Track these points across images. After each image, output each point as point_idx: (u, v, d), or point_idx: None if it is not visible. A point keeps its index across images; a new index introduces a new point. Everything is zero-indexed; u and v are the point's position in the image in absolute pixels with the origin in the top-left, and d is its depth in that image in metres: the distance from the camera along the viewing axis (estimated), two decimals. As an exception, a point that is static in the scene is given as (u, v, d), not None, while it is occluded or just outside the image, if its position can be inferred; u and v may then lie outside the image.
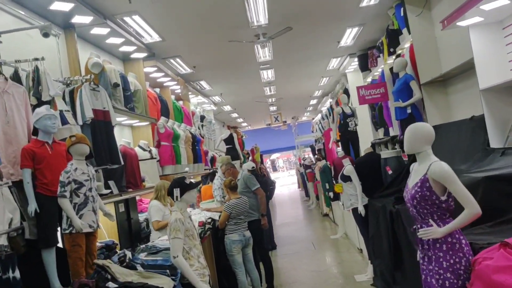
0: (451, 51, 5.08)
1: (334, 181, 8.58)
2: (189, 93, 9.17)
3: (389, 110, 7.55)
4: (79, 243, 2.94)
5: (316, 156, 16.77)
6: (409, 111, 5.52)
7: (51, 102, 3.51)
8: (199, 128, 10.18)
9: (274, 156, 34.86)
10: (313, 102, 15.82)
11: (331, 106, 13.20)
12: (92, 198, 3.10)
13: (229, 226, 5.33)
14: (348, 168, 5.77)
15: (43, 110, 3.13)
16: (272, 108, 15.82)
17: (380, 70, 7.68)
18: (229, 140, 9.69)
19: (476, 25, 3.87)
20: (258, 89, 11.30)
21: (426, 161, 2.72)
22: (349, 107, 8.43)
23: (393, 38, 6.43)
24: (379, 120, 8.01)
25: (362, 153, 8.63)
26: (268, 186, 8.09)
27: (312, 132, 21.64)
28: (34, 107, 3.36)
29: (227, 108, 13.83)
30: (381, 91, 7.16)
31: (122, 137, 6.04)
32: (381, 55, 7.52)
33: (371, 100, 7.26)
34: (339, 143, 12.77)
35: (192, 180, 3.69)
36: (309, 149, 21.31)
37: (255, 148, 21.43)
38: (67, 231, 2.96)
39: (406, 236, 4.53)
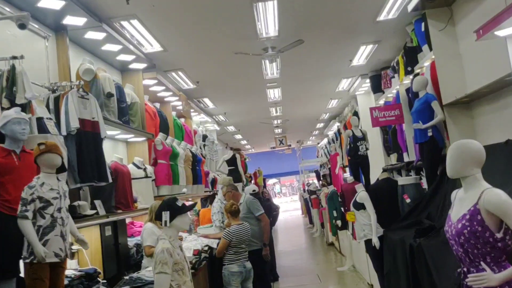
0: (479, 69, 4.61)
1: (342, 209, 8.02)
2: (192, 110, 8.73)
3: (403, 134, 7.05)
4: (41, 276, 2.39)
5: (321, 181, 16.21)
6: (430, 133, 5.01)
7: (26, 106, 3.03)
8: (200, 148, 9.71)
9: (271, 181, 34.20)
10: (320, 125, 15.36)
11: (338, 130, 12.73)
12: (61, 220, 2.57)
13: (228, 255, 4.76)
14: (362, 194, 5.24)
15: (11, 113, 2.65)
16: (277, 131, 15.36)
17: (394, 91, 7.22)
18: (231, 161, 9.19)
19: (516, 36, 3.41)
20: (263, 109, 10.86)
21: (476, 187, 2.20)
22: (360, 130, 7.93)
23: (411, 56, 5.99)
24: (392, 144, 7.50)
25: (372, 179, 8.11)
26: (272, 212, 7.54)
27: (317, 157, 21.14)
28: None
29: (231, 128, 13.38)
30: (396, 113, 6.68)
31: (115, 153, 5.54)
32: (395, 75, 7.08)
33: (385, 123, 6.77)
34: (347, 168, 12.27)
35: (187, 202, 3.18)
36: (314, 174, 20.77)
37: (258, 171, 20.89)
38: (28, 260, 2.42)
39: (429, 275, 3.95)
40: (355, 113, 10.02)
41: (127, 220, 5.60)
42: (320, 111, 12.42)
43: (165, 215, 2.81)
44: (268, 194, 20.06)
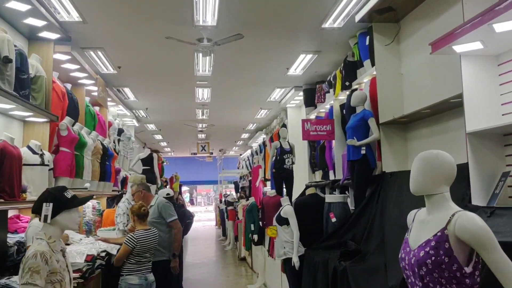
0: (421, 89, 4.47)
1: (260, 223, 7.61)
2: (109, 99, 7.85)
3: (332, 151, 6.86)
4: None
5: (239, 193, 15.80)
6: (363, 151, 4.77)
7: None
8: (114, 142, 8.79)
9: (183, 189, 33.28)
10: (245, 136, 15.01)
11: (263, 142, 12.44)
12: None
13: (128, 264, 4.06)
14: (287, 209, 4.84)
15: None
16: (201, 136, 14.74)
17: (328, 106, 7.03)
18: (147, 161, 8.40)
19: (470, 55, 3.22)
20: (189, 110, 10.21)
21: (443, 209, 1.82)
22: (288, 142, 7.64)
23: (351, 70, 5.79)
24: (319, 161, 7.28)
25: (295, 195, 7.82)
26: (185, 219, 6.89)
27: (238, 168, 20.78)
28: None
29: (151, 127, 12.50)
30: (328, 128, 6.45)
31: (6, 131, 4.60)
32: (331, 90, 6.89)
33: (316, 137, 6.51)
34: (268, 182, 11.97)
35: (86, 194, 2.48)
36: (233, 185, 20.35)
37: (175, 176, 19.97)
38: None
39: (352, 303, 3.62)
40: (284, 126, 9.78)
41: (11, 213, 4.67)
42: (247, 120, 12.05)
43: (47, 208, 2.11)
44: (183, 201, 19.22)
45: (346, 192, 6.04)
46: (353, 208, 5.02)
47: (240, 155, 20.53)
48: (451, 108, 3.89)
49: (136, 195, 4.56)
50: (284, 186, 7.64)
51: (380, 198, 4.50)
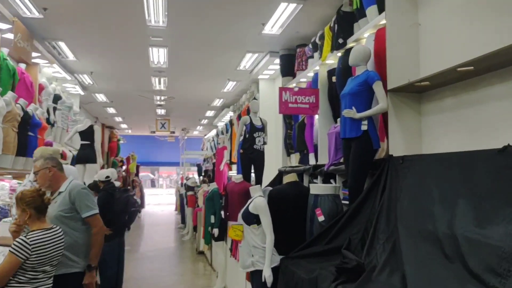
0: (444, 46, 3.24)
1: (222, 214, 6.29)
2: (37, 54, 6.23)
3: (313, 130, 5.59)
4: None
5: (201, 177, 14.36)
6: (364, 127, 3.50)
7: None
8: (48, 111, 7.21)
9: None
10: (210, 113, 13.57)
11: (231, 121, 11.05)
12: None
13: (15, 285, 2.64)
14: (259, 202, 3.51)
15: None
16: (160, 111, 13.17)
17: (311, 74, 5.72)
18: (87, 134, 6.87)
19: None
20: (144, 77, 8.67)
21: None
22: (260, 118, 6.32)
23: (346, 24, 4.48)
24: (296, 141, 6.00)
25: (265, 182, 6.55)
26: (128, 207, 5.49)
27: (202, 149, 19.31)
28: None
29: (101, 98, 10.84)
30: (311, 100, 5.16)
31: None
32: (315, 54, 5.58)
33: (295, 110, 5.21)
34: (234, 166, 10.65)
35: None
36: (196, 168, 18.89)
37: (131, 156, 18.35)
38: None
39: None
40: (255, 99, 8.43)
41: None
42: (213, 95, 10.61)
43: None
44: (139, 184, 17.64)
45: (331, 181, 4.80)
46: (347, 202, 3.77)
47: (205, 135, 19.05)
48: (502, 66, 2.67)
49: (41, 174, 3.09)
50: (252, 171, 6.35)
51: (387, 191, 3.26)
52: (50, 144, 6.72)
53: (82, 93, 9.49)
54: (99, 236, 3.08)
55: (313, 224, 3.54)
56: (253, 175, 6.51)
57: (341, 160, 4.53)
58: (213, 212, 6.21)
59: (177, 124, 16.28)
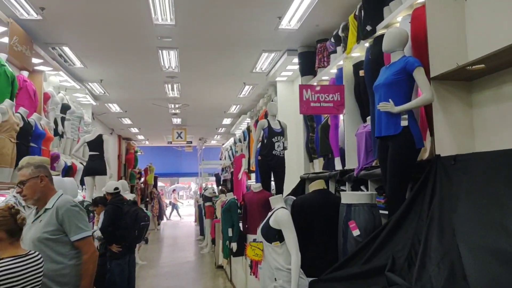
0: (501, 22, 2.67)
1: (241, 226, 5.77)
2: (40, 61, 5.87)
3: (337, 132, 5.04)
4: None
5: (220, 187, 13.89)
6: (404, 123, 2.95)
7: None
8: (56, 121, 6.85)
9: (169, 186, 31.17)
10: (227, 121, 13.11)
11: (248, 128, 10.58)
12: None
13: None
14: (281, 215, 2.97)
15: None
16: (176, 121, 12.78)
17: (334, 71, 5.18)
18: (95, 145, 6.46)
19: None
20: (156, 83, 8.26)
21: None
22: (279, 122, 5.82)
23: (374, 8, 3.94)
24: (320, 145, 5.45)
25: (286, 191, 6.02)
26: (136, 222, 5.01)
27: (220, 159, 18.87)
28: None
29: (115, 108, 10.50)
30: (335, 98, 4.62)
31: None
32: (338, 48, 5.05)
33: (318, 110, 4.67)
34: (253, 174, 10.14)
35: None
36: (214, 178, 18.45)
37: (149, 167, 18.03)
38: None
39: None
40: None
41: None
42: (229, 101, 10.14)
43: None
44: (158, 196, 17.28)
45: (362, 188, 4.24)
46: (384, 213, 3.21)
47: (222, 144, 18.63)
48: None
49: (30, 184, 2.57)
50: (272, 179, 5.83)
51: (437, 198, 2.70)
52: (57, 156, 6.34)
53: (94, 103, 9.14)
54: (91, 264, 2.56)
55: (346, 240, 2.98)
56: (273, 183, 6.00)
57: (374, 164, 3.97)
58: (230, 225, 5.69)
59: (194, 134, 15.89)
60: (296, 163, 6.49)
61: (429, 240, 2.59)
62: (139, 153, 18.43)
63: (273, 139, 5.68)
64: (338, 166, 4.98)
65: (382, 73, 3.17)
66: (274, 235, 2.91)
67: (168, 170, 23.24)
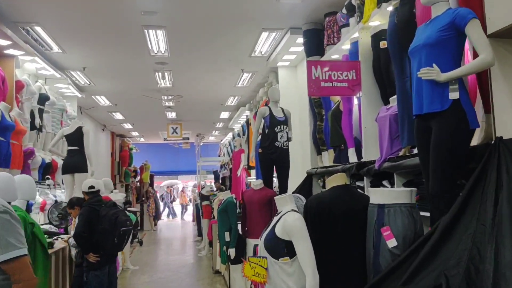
0: None
1: (239, 229, 5.03)
2: (8, 43, 5.11)
3: (351, 118, 4.30)
4: None
5: (215, 183, 13.13)
6: (454, 95, 2.21)
7: None
8: (33, 113, 6.13)
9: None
10: (225, 115, 12.37)
11: (247, 121, 9.84)
12: None
13: None
14: (292, 220, 2.22)
15: None
16: (171, 115, 12.04)
17: (346, 47, 4.43)
18: (75, 139, 5.72)
19: None
20: (146, 72, 7.51)
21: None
22: (282, 109, 5.09)
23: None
24: (330, 135, 4.71)
25: (291, 188, 5.29)
26: (115, 228, 4.25)
27: (219, 156, 18.13)
28: None
29: (103, 101, 9.75)
30: (350, 76, 3.89)
31: None
32: (352, 19, 4.30)
33: (330, 90, 3.93)
34: (253, 171, 9.41)
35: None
36: (212, 175, 17.70)
37: (144, 165, 17.29)
38: None
39: None
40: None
41: None
42: (226, 92, 9.39)
43: None
44: (154, 195, 16.54)
45: (385, 183, 3.51)
46: (425, 215, 2.47)
47: (221, 141, 17.89)
48: None
49: None
50: (275, 175, 5.11)
51: (504, 193, 1.97)
52: (31, 152, 5.60)
53: (79, 95, 8.39)
54: (27, 288, 1.82)
55: (378, 253, 2.24)
56: (275, 179, 5.27)
57: (401, 153, 3.24)
58: (227, 228, 4.95)
59: (190, 130, 15.14)
60: (301, 157, 5.75)
61: (500, 252, 1.86)
62: (134, 151, 17.69)
63: (276, 129, 4.95)
64: (352, 158, 4.24)
65: (421, 32, 2.42)
66: (282, 249, 2.17)
67: (165, 168, 22.50)
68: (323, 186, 5.24)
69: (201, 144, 18.02)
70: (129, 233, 4.40)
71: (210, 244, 8.78)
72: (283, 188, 5.12)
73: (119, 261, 7.37)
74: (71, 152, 5.69)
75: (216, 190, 11.23)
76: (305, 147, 5.68)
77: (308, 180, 5.40)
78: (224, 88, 9.01)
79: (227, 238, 4.89)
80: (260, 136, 5.19)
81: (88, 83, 8.05)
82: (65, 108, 7.36)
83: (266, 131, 5.01)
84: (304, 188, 5.38)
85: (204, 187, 11.93)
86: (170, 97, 9.08)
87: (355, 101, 4.30)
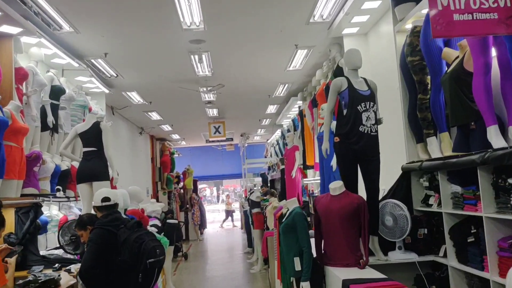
0: None
1: (312, 251, 3.55)
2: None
3: (489, 80, 2.73)
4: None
5: (262, 187, 11.67)
6: None
7: None
8: (44, 110, 4.99)
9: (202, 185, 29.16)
10: (272, 109, 10.94)
11: (301, 112, 8.35)
12: None
13: None
14: None
15: None
16: (211, 112, 10.77)
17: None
18: (91, 137, 4.47)
19: None
20: (179, 54, 6.20)
21: None
22: (364, 79, 3.61)
23: None
24: (451, 109, 3.15)
25: (383, 191, 3.79)
26: (138, 259, 2.89)
27: (265, 157, 16.73)
28: None
29: (135, 98, 8.59)
30: (501, 2, 2.32)
31: None
32: None
33: (468, 28, 2.37)
34: (310, 171, 7.97)
35: None
36: (260, 179, 16.31)
37: (187, 170, 16.16)
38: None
39: None
40: (339, 71, 5.66)
41: None
42: (275, 78, 7.96)
43: None
44: (198, 201, 15.35)
45: None
46: None
47: (267, 140, 16.47)
48: None
49: None
50: (360, 172, 3.61)
51: None
52: (37, 156, 4.40)
53: (107, 91, 7.24)
54: None
55: None
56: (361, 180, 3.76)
57: None
58: (296, 252, 3.48)
59: (234, 129, 13.85)
60: (390, 147, 4.20)
61: None
62: (176, 155, 16.63)
63: (360, 107, 3.47)
64: (496, 141, 2.68)
65: None
66: None
67: (209, 172, 21.39)
68: (429, 187, 3.68)
69: (246, 145, 16.70)
70: (160, 266, 3.03)
71: (265, 261, 7.35)
72: (372, 192, 3.62)
73: (157, 286, 6.09)
74: (88, 154, 4.44)
75: (264, 195, 9.76)
76: (396, 134, 4.12)
77: (404, 179, 3.86)
78: (272, 74, 7.58)
79: (298, 267, 3.42)
80: (334, 119, 3.75)
81: (115, 75, 6.87)
82: (87, 105, 6.19)
83: (345, 111, 3.53)
84: (400, 190, 3.85)
85: (253, 191, 10.53)
86: (210, 88, 7.75)
87: (493, 52, 2.74)
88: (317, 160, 6.82)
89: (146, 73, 7.09)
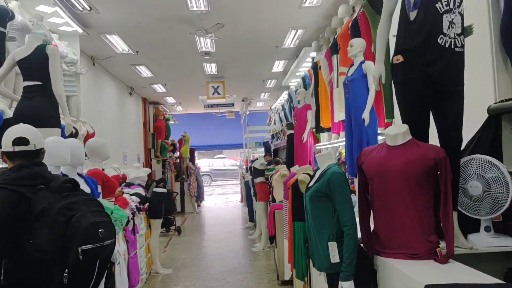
0: None
1: (360, 236, 2.30)
2: None
3: None
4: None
5: (265, 156, 10.35)
6: None
7: None
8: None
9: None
10: (279, 67, 9.58)
11: (315, 64, 6.98)
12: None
13: None
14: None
15: None
16: (210, 69, 9.41)
17: None
18: (34, 67, 3.15)
19: None
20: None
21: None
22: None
23: None
24: None
25: (465, 138, 2.48)
26: (65, 246, 1.71)
27: (268, 125, 15.44)
28: None
29: (119, 44, 7.21)
30: None
31: None
32: None
33: None
34: (325, 134, 6.76)
35: None
36: (262, 149, 15.04)
37: (183, 137, 14.88)
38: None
39: None
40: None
41: None
42: (285, 21, 6.59)
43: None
44: (195, 171, 14.12)
45: None
46: None
47: (271, 107, 15.13)
48: None
49: None
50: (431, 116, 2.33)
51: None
52: None
53: (80, 30, 5.90)
54: None
55: None
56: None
57: None
58: (332, 232, 2.22)
59: (235, 92, 12.48)
60: (467, 77, 2.89)
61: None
62: (171, 122, 15.32)
63: (439, 6, 2.16)
64: None
65: None
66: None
67: (208, 142, 20.14)
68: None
69: (248, 112, 15.36)
70: (106, 258, 1.77)
71: (271, 239, 6.15)
72: (452, 144, 2.34)
73: (138, 263, 4.91)
74: (29, 91, 3.14)
75: (268, 165, 8.50)
76: (474, 57, 2.80)
77: (491, 126, 2.56)
78: (283, 13, 6.20)
79: (335, 258, 2.16)
80: (391, 33, 2.43)
81: (88, 7, 5.49)
82: (49, 40, 4.84)
83: (413, 14, 2.21)
84: (484, 143, 2.56)
85: (255, 160, 9.28)
86: (205, 31, 6.37)
87: None
88: (336, 119, 5.54)
89: (127, 7, 5.71)
